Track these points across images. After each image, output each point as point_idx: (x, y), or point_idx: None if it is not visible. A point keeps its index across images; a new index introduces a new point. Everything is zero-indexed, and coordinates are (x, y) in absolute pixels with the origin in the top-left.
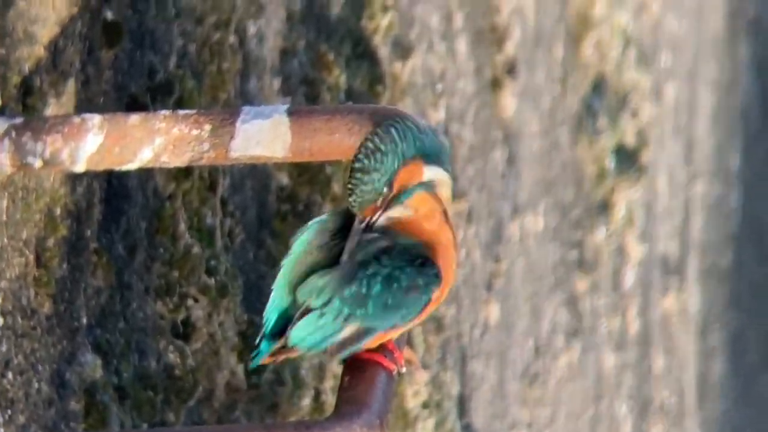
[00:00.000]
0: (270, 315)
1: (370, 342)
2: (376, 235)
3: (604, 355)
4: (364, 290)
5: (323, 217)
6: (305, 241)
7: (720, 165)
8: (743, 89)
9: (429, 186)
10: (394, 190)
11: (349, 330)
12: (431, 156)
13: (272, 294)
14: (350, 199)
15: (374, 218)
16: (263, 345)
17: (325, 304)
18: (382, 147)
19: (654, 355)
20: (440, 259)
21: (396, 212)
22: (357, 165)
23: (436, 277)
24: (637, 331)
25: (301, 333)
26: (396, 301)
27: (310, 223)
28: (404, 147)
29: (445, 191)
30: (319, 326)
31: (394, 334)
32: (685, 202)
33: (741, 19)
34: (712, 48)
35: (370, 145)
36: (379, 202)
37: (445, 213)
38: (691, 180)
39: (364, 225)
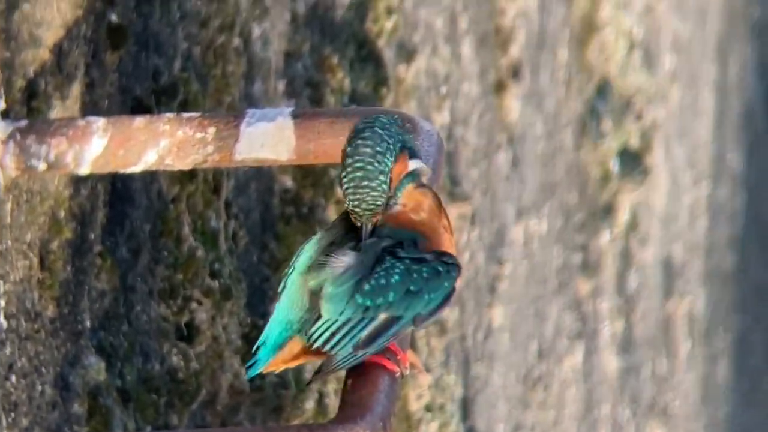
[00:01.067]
0: (273, 326)
1: (399, 332)
2: (374, 237)
3: (607, 358)
4: (383, 281)
5: (317, 236)
6: (307, 256)
7: (724, 167)
8: (747, 91)
9: (415, 176)
10: (392, 188)
11: (374, 323)
12: (411, 147)
13: (277, 306)
14: (359, 209)
15: (377, 220)
16: (261, 354)
17: (347, 302)
18: (378, 148)
19: (657, 358)
20: (441, 247)
21: (393, 209)
22: (359, 174)
23: (456, 265)
24: (640, 334)
25: (325, 334)
26: (418, 287)
27: (305, 244)
28: (393, 142)
29: (426, 180)
30: (342, 324)
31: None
32: (689, 204)
33: (745, 21)
34: (716, 50)
35: (366, 149)
36: (384, 205)
37: (437, 198)
38: (696, 182)
39: (371, 228)
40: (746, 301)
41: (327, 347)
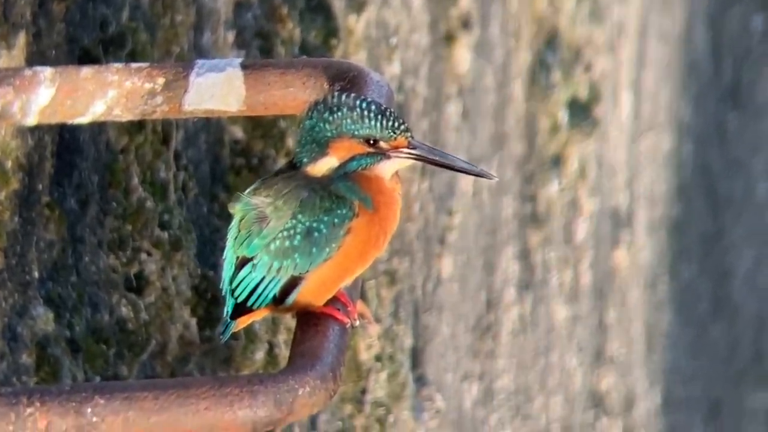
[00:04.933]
0: (226, 287)
1: (308, 287)
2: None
3: (555, 307)
4: (287, 243)
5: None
6: (246, 202)
7: (671, 117)
8: (694, 42)
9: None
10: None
11: (283, 280)
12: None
13: (224, 264)
14: (404, 127)
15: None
16: (230, 317)
17: (255, 256)
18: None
19: (605, 307)
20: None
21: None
22: (373, 105)
23: (350, 210)
24: (588, 283)
25: (245, 291)
26: (320, 245)
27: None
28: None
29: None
30: (254, 279)
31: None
32: (636, 155)
33: None
34: (663, 1)
35: (351, 97)
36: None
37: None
38: (643, 133)
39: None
40: (692, 250)
41: (250, 303)
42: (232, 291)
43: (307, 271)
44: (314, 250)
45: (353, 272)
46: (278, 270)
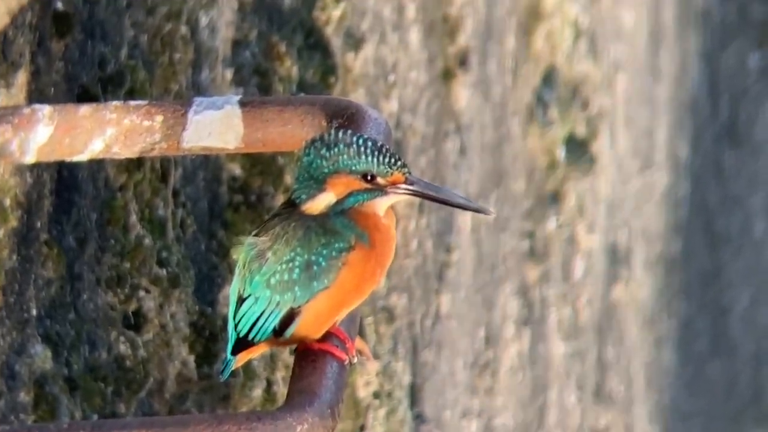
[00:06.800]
0: (230, 324)
1: (306, 319)
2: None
3: (554, 344)
4: (286, 276)
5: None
6: (248, 243)
7: (669, 155)
8: (691, 79)
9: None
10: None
11: (283, 312)
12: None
13: (230, 301)
14: (400, 162)
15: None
16: (230, 354)
17: (256, 290)
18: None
19: (603, 344)
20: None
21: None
22: (369, 141)
23: (347, 243)
24: (586, 320)
25: (247, 324)
26: (319, 278)
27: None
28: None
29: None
30: (255, 312)
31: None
32: (634, 192)
33: (690, 10)
34: (660, 39)
35: (348, 133)
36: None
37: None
38: (641, 170)
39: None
40: (690, 287)
41: (251, 337)
42: (235, 326)
43: (306, 303)
44: (314, 283)
45: (349, 305)
46: (278, 303)
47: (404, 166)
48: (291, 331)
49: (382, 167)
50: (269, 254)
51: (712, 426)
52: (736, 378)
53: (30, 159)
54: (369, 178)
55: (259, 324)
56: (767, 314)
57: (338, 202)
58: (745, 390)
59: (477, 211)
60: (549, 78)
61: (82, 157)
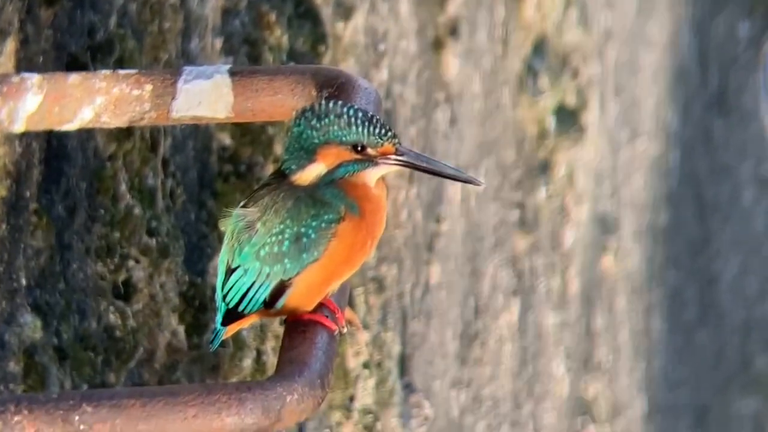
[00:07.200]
0: (218, 295)
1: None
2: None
3: (543, 314)
4: (276, 249)
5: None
6: (236, 214)
7: (658, 124)
8: (681, 48)
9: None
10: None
11: (273, 284)
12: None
13: (219, 272)
14: (391, 133)
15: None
16: (220, 325)
17: (245, 261)
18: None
19: (592, 314)
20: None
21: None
22: (360, 111)
23: (337, 214)
24: (576, 290)
25: (236, 296)
26: (309, 250)
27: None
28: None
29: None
30: (245, 284)
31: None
32: (623, 161)
33: None
34: (650, 7)
35: (339, 104)
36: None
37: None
38: (630, 140)
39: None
40: (679, 256)
41: (241, 308)
42: (224, 297)
43: (296, 275)
44: (304, 255)
45: (340, 276)
46: (268, 275)
47: (395, 136)
48: (282, 303)
49: (372, 138)
50: (259, 225)
51: (701, 394)
52: (724, 346)
53: (19, 128)
54: (359, 148)
55: (249, 296)
56: (755, 283)
57: (328, 173)
58: (733, 358)
59: (467, 181)
60: (539, 47)
61: (72, 126)
